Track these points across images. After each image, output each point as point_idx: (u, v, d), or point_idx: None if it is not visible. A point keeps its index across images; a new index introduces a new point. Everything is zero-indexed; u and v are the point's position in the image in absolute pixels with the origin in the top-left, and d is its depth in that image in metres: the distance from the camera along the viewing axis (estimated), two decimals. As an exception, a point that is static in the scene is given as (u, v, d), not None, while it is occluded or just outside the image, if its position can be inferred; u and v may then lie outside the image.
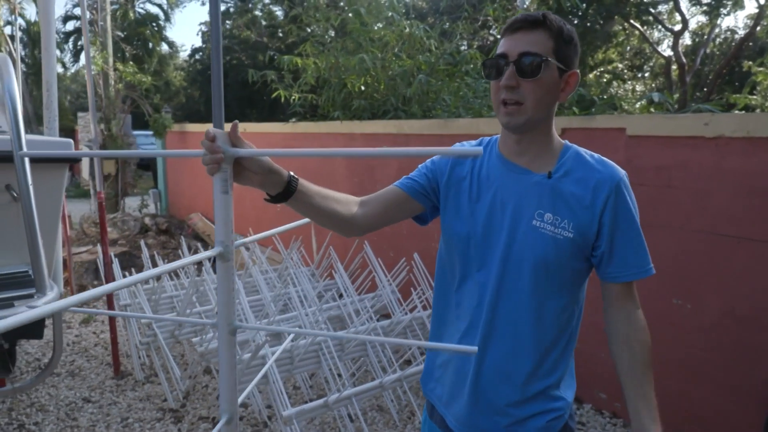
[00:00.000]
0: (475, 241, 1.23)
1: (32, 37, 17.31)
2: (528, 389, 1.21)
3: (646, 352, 1.18)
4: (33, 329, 2.06)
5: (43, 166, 1.89)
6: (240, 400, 1.01)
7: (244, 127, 6.70)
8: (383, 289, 3.50)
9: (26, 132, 1.67)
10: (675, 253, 2.73)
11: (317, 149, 0.88)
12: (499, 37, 1.29)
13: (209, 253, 0.86)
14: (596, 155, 1.22)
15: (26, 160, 1.66)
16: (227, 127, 0.98)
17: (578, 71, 1.18)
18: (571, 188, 1.17)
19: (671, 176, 2.73)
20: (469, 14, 5.28)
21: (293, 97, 5.57)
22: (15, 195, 1.84)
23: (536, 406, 1.22)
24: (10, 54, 6.05)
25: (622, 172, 1.19)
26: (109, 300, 3.52)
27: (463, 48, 5.31)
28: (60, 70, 17.98)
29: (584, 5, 12.87)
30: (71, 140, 2.08)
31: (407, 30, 5.06)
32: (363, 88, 5.06)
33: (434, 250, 4.37)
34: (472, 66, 5.09)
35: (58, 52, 16.26)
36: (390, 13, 5.06)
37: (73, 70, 19.61)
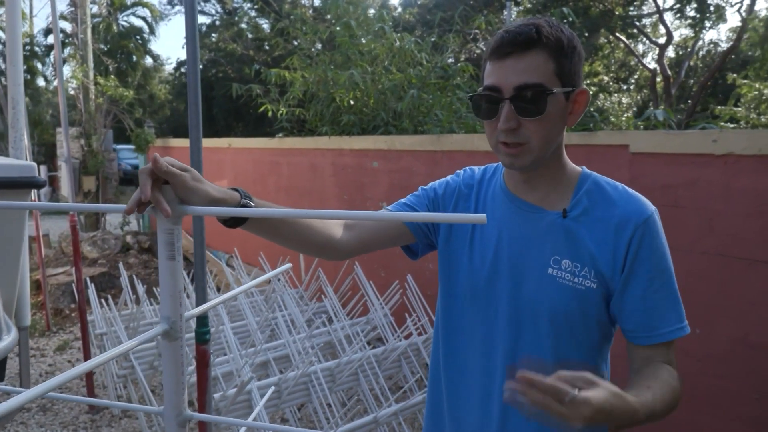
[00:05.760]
0: (479, 293, 1.06)
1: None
2: None
3: (670, 390, 0.95)
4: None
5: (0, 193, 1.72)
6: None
7: (229, 143, 6.52)
8: (375, 312, 3.34)
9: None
10: (682, 276, 2.58)
11: (282, 209, 0.75)
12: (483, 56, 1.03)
13: (153, 332, 0.70)
14: (620, 186, 1.03)
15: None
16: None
17: (587, 88, 0.99)
18: (591, 230, 0.98)
19: (678, 195, 2.61)
20: (461, 27, 5.18)
21: (280, 112, 5.41)
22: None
23: None
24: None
25: (650, 209, 0.99)
26: (83, 329, 3.30)
27: (450, 61, 5.21)
28: (41, 83, 17.67)
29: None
30: (34, 164, 1.91)
31: (397, 43, 4.94)
32: (352, 102, 4.92)
33: (428, 271, 4.20)
34: (465, 80, 4.98)
35: (39, 65, 15.98)
36: (380, 25, 4.94)
37: (55, 84, 19.31)
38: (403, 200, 1.20)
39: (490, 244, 1.06)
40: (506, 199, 1.07)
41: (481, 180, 1.15)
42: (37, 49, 15.16)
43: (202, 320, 1.68)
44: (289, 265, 1.18)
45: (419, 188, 1.22)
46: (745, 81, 13.19)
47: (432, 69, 4.84)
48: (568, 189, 1.03)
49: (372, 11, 5.66)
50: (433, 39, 5.07)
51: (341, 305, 3.49)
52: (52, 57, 16.95)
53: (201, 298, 1.67)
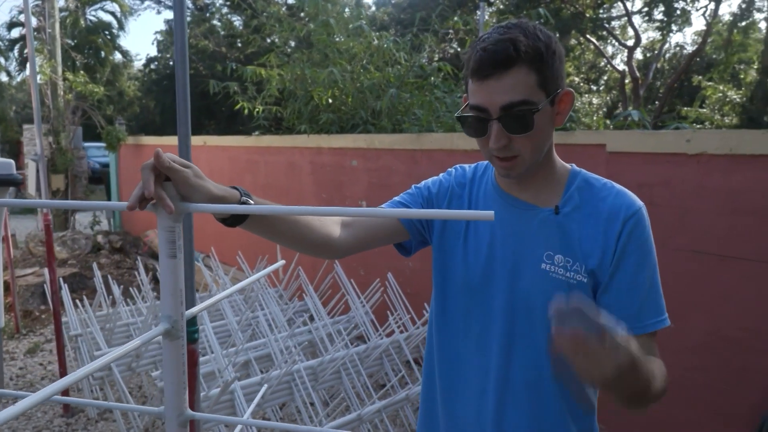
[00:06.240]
0: (474, 289, 1.08)
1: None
2: None
3: (657, 366, 0.94)
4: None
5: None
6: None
7: (204, 140, 6.43)
8: (356, 311, 3.34)
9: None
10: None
11: (284, 206, 0.73)
12: (463, 58, 1.04)
13: (155, 332, 0.70)
14: (609, 183, 1.05)
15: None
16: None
17: (570, 89, 1.00)
18: (582, 224, 1.01)
19: (653, 193, 2.68)
20: (439, 27, 5.22)
21: (257, 110, 5.36)
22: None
23: None
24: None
25: (638, 204, 1.02)
26: (57, 331, 3.22)
27: (423, 60, 5.25)
28: (4, 78, 17.11)
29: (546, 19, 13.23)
30: (12, 161, 1.85)
31: (375, 42, 4.94)
32: (330, 101, 4.91)
33: (408, 269, 4.20)
34: (442, 80, 5.01)
35: (2, 60, 15.48)
36: (359, 23, 4.93)
37: (18, 79, 18.73)
38: (397, 198, 1.20)
39: (484, 241, 1.08)
40: (498, 197, 1.09)
41: (473, 178, 1.17)
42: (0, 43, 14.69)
43: (191, 319, 1.66)
44: (282, 262, 1.17)
45: (412, 186, 1.22)
46: (710, 83, 13.59)
47: (410, 68, 4.86)
48: (558, 186, 1.05)
49: (347, 10, 5.65)
50: (408, 38, 5.09)
51: (321, 304, 3.48)
52: (15, 52, 16.43)
53: (190, 298, 1.65)
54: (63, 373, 3.22)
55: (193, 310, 0.91)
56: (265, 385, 1.32)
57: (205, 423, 2.47)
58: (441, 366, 1.16)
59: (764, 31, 14.49)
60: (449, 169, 1.22)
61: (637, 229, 0.99)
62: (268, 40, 6.98)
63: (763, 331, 2.35)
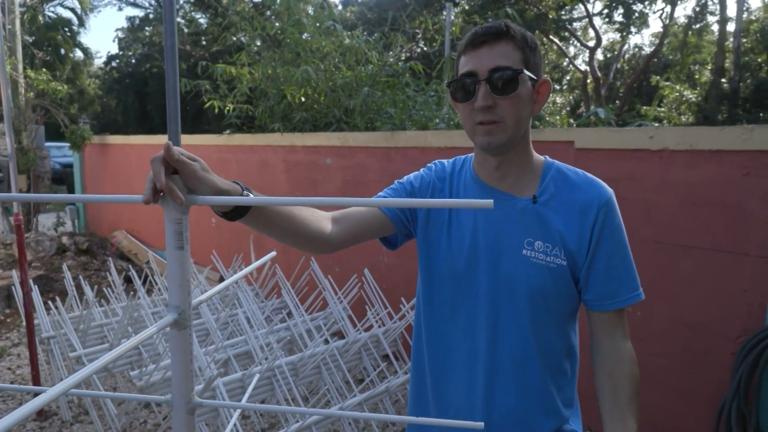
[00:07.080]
0: (459, 277, 1.14)
1: None
2: (542, 430, 1.13)
3: (632, 385, 1.08)
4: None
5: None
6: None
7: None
8: (334, 306, 3.38)
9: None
10: (625, 262, 2.80)
11: (306, 198, 0.77)
12: (455, 52, 1.16)
13: (163, 322, 0.73)
14: (580, 172, 1.14)
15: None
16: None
17: (548, 78, 1.11)
18: (558, 212, 1.09)
19: (619, 188, 2.80)
20: (410, 27, 5.29)
21: (227, 108, 5.33)
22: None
23: None
24: None
25: (608, 191, 1.11)
26: (29, 332, 3.16)
27: (392, 59, 5.32)
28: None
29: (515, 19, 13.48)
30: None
31: (347, 41, 4.98)
32: (303, 99, 4.93)
33: (383, 264, 4.25)
34: (411, 78, 5.08)
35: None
36: (331, 23, 4.96)
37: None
38: (381, 194, 1.25)
39: (467, 230, 1.14)
40: (478, 189, 1.16)
41: (452, 172, 1.23)
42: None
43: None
44: (274, 253, 1.21)
45: (395, 181, 1.27)
46: (667, 83, 14.07)
47: (382, 67, 4.92)
48: (534, 177, 1.13)
49: (311, 9, 5.67)
50: (376, 36, 5.15)
51: (299, 301, 3.51)
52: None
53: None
54: (35, 375, 3.16)
55: (200, 298, 0.95)
56: (257, 375, 1.35)
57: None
58: (430, 352, 1.22)
59: (717, 34, 15.10)
60: (429, 165, 1.28)
61: (609, 217, 1.09)
62: (234, 38, 6.93)
63: (723, 317, 2.50)
